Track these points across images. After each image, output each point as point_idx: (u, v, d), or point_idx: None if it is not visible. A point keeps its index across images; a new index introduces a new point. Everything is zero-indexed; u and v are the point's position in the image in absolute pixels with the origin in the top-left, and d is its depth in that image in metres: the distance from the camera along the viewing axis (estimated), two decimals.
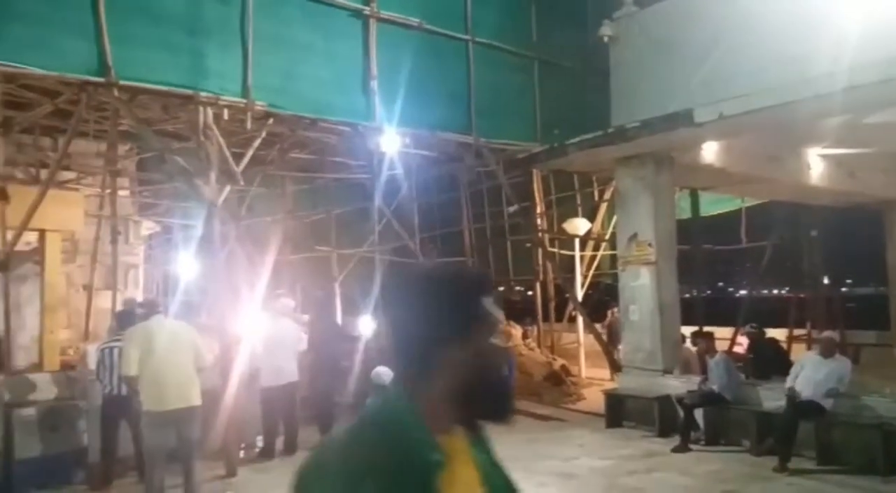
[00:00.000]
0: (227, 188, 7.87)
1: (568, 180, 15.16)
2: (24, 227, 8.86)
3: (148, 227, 14.00)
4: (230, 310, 7.57)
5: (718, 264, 23.70)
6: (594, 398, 10.52)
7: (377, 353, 6.88)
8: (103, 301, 11.36)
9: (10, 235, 9.00)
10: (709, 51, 8.57)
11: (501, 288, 14.97)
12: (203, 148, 7.40)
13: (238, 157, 8.06)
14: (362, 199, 13.22)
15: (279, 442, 7.90)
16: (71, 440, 7.18)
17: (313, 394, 8.54)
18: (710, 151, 9.73)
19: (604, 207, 14.71)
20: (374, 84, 8.42)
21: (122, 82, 6.86)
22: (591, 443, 8.30)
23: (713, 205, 14.48)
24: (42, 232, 9.92)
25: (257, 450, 8.04)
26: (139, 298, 10.79)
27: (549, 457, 7.50)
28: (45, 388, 7.37)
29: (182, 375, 5.62)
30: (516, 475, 1.33)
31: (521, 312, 14.63)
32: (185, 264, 14.90)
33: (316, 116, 8.68)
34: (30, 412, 7.04)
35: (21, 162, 10.25)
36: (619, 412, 9.11)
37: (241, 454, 7.71)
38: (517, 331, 12.61)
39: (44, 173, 10.37)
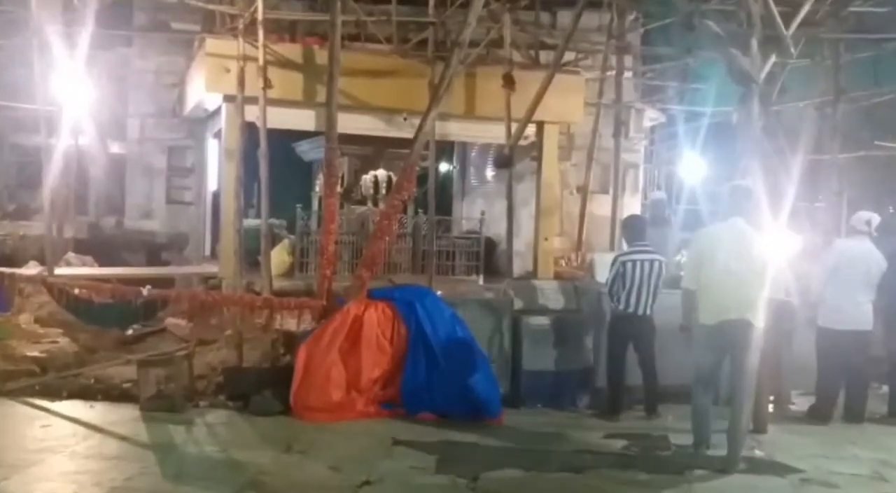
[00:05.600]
0: (772, 59, 6.58)
1: None
2: (528, 118, 8.46)
3: (651, 117, 12.62)
4: (771, 223, 6.10)
5: None
6: None
7: None
8: (598, 207, 10.78)
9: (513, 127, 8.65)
10: None
11: None
12: (744, 7, 6.40)
13: (785, 17, 6.63)
14: None
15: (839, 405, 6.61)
16: (578, 358, 6.97)
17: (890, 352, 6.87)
18: None
19: None
20: None
21: None
22: None
23: None
24: (540, 124, 9.48)
25: (791, 406, 6.98)
26: (638, 205, 9.84)
27: None
28: (552, 297, 7.15)
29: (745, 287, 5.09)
30: None
31: None
32: (692, 165, 13.12)
33: None
34: (538, 321, 6.91)
35: (521, 43, 9.71)
36: None
37: (770, 407, 6.51)
38: None
39: (542, 56, 9.73)
